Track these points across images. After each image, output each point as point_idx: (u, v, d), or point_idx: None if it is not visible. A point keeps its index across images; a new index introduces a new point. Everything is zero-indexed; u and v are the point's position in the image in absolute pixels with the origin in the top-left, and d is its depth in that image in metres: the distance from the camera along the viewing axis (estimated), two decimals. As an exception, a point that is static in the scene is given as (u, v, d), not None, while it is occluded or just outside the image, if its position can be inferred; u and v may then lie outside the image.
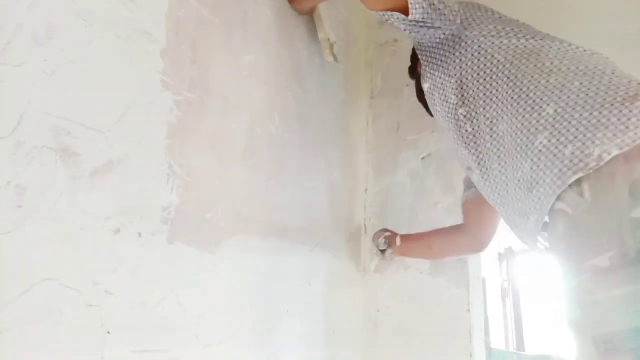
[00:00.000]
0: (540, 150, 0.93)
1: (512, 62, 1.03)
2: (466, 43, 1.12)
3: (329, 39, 1.54)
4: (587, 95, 0.91)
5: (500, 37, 1.08)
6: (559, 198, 0.89)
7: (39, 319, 0.70)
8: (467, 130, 1.13)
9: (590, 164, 0.85)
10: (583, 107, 0.90)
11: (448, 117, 1.19)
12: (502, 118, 1.02)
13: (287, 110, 1.38)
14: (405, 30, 1.18)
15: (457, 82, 1.13)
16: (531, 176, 0.94)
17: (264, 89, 1.27)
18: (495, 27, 1.10)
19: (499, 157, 1.05)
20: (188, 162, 0.99)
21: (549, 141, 0.92)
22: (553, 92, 0.95)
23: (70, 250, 0.75)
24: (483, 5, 1.21)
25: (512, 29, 1.09)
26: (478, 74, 1.08)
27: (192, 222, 0.99)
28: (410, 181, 1.80)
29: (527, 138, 0.96)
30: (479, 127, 1.10)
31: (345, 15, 1.80)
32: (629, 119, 0.85)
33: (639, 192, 0.81)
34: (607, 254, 0.80)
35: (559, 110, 0.92)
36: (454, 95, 1.15)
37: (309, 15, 1.52)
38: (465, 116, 1.13)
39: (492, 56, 1.07)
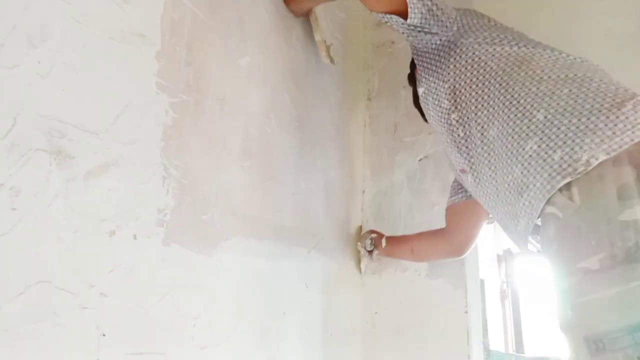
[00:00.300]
0: (530, 155, 0.95)
1: (504, 69, 1.06)
2: (461, 50, 1.14)
3: (325, 41, 1.55)
4: (575, 101, 0.94)
5: (494, 44, 1.10)
6: (549, 202, 0.91)
7: (33, 321, 0.69)
8: (459, 135, 1.16)
9: (579, 169, 0.87)
10: (572, 113, 0.92)
11: (441, 121, 1.21)
12: (493, 123, 1.05)
13: (284, 112, 1.38)
14: (402, 33, 1.20)
15: (450, 87, 1.15)
16: (521, 180, 0.96)
17: (260, 90, 1.27)
18: (490, 34, 1.13)
19: (489, 161, 1.07)
20: (184, 163, 0.99)
21: (539, 146, 0.94)
22: (543, 99, 0.97)
23: (65, 252, 0.75)
24: (479, 12, 1.23)
25: (506, 36, 1.12)
26: (471, 80, 1.11)
27: (188, 224, 0.99)
28: (408, 183, 1.80)
29: (518, 143, 0.98)
30: (470, 131, 1.12)
31: (341, 16, 1.80)
32: (615, 125, 0.88)
33: (627, 195, 0.83)
34: (596, 256, 0.82)
35: (549, 116, 0.95)
36: (447, 100, 1.17)
37: (305, 17, 1.53)
38: (457, 121, 1.15)
39: (486, 63, 1.09)
